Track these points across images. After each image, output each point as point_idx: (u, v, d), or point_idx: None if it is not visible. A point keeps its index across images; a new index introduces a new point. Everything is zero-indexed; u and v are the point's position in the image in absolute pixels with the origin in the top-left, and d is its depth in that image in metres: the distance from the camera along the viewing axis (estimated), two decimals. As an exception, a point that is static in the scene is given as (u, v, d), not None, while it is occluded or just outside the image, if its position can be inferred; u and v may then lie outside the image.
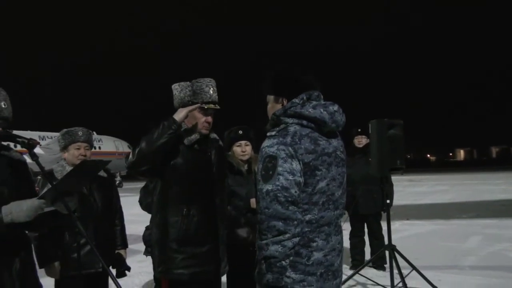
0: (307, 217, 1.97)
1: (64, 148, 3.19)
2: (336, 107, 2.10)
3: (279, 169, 1.91)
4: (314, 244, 1.99)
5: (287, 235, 1.89)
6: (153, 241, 2.66)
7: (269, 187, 1.91)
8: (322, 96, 2.15)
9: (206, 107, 2.58)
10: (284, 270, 1.92)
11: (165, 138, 2.43)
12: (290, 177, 1.91)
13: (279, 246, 1.89)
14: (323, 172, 2.00)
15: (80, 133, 3.17)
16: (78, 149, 3.14)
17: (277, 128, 2.05)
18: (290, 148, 1.94)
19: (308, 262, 1.97)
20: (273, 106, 2.16)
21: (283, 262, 1.91)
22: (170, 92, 2.70)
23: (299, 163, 1.94)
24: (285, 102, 2.11)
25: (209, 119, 2.63)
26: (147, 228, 3.75)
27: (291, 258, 1.94)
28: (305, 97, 2.08)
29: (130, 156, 2.49)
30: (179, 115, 2.52)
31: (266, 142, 2.01)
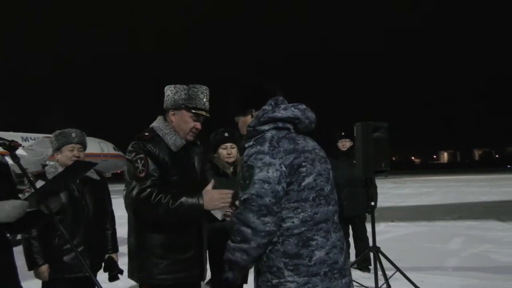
0: (300, 215, 1.96)
1: (57, 149, 3.16)
2: (304, 106, 2.15)
3: (255, 178, 1.93)
4: (314, 242, 1.97)
5: (252, 245, 1.93)
6: (133, 247, 2.58)
7: (245, 196, 1.95)
8: (286, 101, 2.18)
9: (198, 113, 2.56)
10: (244, 270, 2.03)
11: (182, 216, 2.43)
12: (266, 186, 1.92)
13: (244, 254, 1.95)
14: (308, 168, 2.00)
15: (73, 134, 3.15)
16: (72, 150, 3.13)
17: (254, 138, 2.07)
18: (267, 156, 1.95)
19: (310, 262, 1.94)
20: (245, 121, 2.19)
21: (246, 266, 2.01)
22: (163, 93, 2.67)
23: (280, 168, 1.94)
24: (253, 113, 2.15)
25: (198, 125, 2.60)
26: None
27: (287, 260, 1.94)
28: (273, 103, 2.12)
29: (138, 202, 2.41)
30: (211, 204, 2.43)
31: (245, 152, 2.05)
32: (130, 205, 2.47)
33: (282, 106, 2.11)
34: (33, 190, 2.13)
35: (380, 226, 8.82)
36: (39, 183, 2.61)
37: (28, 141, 22.04)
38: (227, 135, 3.46)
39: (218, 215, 2.60)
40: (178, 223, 2.46)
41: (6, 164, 2.29)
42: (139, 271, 2.53)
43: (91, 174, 3.22)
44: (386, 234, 8.26)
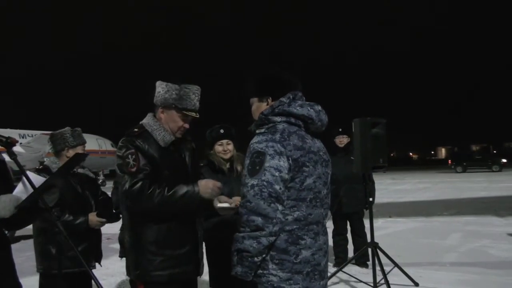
0: (295, 214, 1.99)
1: (73, 147, 3.30)
2: (320, 107, 2.16)
3: (266, 164, 1.93)
4: (303, 242, 2.00)
5: (263, 232, 1.90)
6: (128, 244, 2.56)
7: (254, 181, 1.93)
8: (304, 98, 2.20)
9: (188, 114, 2.55)
10: (254, 265, 1.94)
11: (178, 204, 2.41)
12: (276, 173, 1.92)
13: (255, 241, 1.90)
14: (310, 169, 2.02)
15: (82, 135, 3.40)
16: (83, 150, 3.34)
17: (266, 126, 2.08)
18: (279, 145, 1.96)
19: (296, 260, 1.98)
20: (258, 107, 2.19)
21: (255, 258, 1.93)
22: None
23: (288, 160, 1.95)
24: (269, 101, 2.15)
25: (187, 125, 2.59)
26: (122, 229, 3.76)
27: (273, 253, 1.95)
28: (291, 96, 2.13)
29: (132, 195, 2.38)
30: (206, 190, 2.43)
31: (255, 139, 2.04)
32: (124, 199, 2.46)
33: (299, 102, 2.12)
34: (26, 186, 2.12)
35: (378, 222, 8.85)
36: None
37: (26, 138, 22.01)
38: (222, 131, 3.46)
39: (226, 231, 2.65)
40: (173, 214, 2.44)
41: (2, 161, 2.29)
42: (135, 268, 2.51)
43: (88, 172, 3.41)
44: (384, 230, 8.28)
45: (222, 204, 2.50)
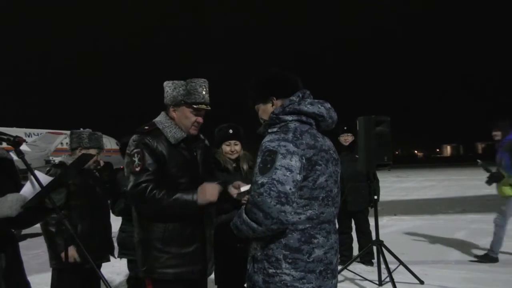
0: (308, 212, 1.99)
1: (86, 149, 3.42)
2: (329, 105, 2.17)
3: (277, 163, 1.92)
4: (316, 240, 2.00)
5: (260, 228, 1.93)
6: (136, 241, 2.58)
7: (264, 179, 1.92)
8: (311, 96, 2.20)
9: (198, 108, 2.55)
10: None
11: (178, 212, 2.42)
12: (288, 173, 1.91)
13: (251, 230, 1.98)
14: (322, 168, 2.02)
15: (102, 140, 3.57)
16: (99, 153, 3.52)
17: (278, 125, 2.08)
18: (291, 145, 1.95)
19: (309, 259, 1.98)
20: (264, 109, 2.20)
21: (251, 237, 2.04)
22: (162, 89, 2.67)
23: (301, 159, 1.95)
24: (274, 100, 2.16)
25: (200, 119, 2.60)
26: (121, 230, 3.80)
27: (287, 253, 1.98)
28: (300, 95, 2.14)
29: (133, 197, 2.43)
30: (203, 198, 2.41)
31: (267, 138, 2.04)
32: (127, 199, 2.51)
33: (308, 100, 2.13)
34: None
35: (383, 220, 8.83)
36: None
37: (31, 136, 22.08)
38: (231, 132, 3.44)
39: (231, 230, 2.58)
40: (175, 216, 2.47)
41: (11, 160, 2.30)
42: (142, 265, 2.54)
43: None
44: (389, 228, 8.27)
45: (244, 187, 2.40)
